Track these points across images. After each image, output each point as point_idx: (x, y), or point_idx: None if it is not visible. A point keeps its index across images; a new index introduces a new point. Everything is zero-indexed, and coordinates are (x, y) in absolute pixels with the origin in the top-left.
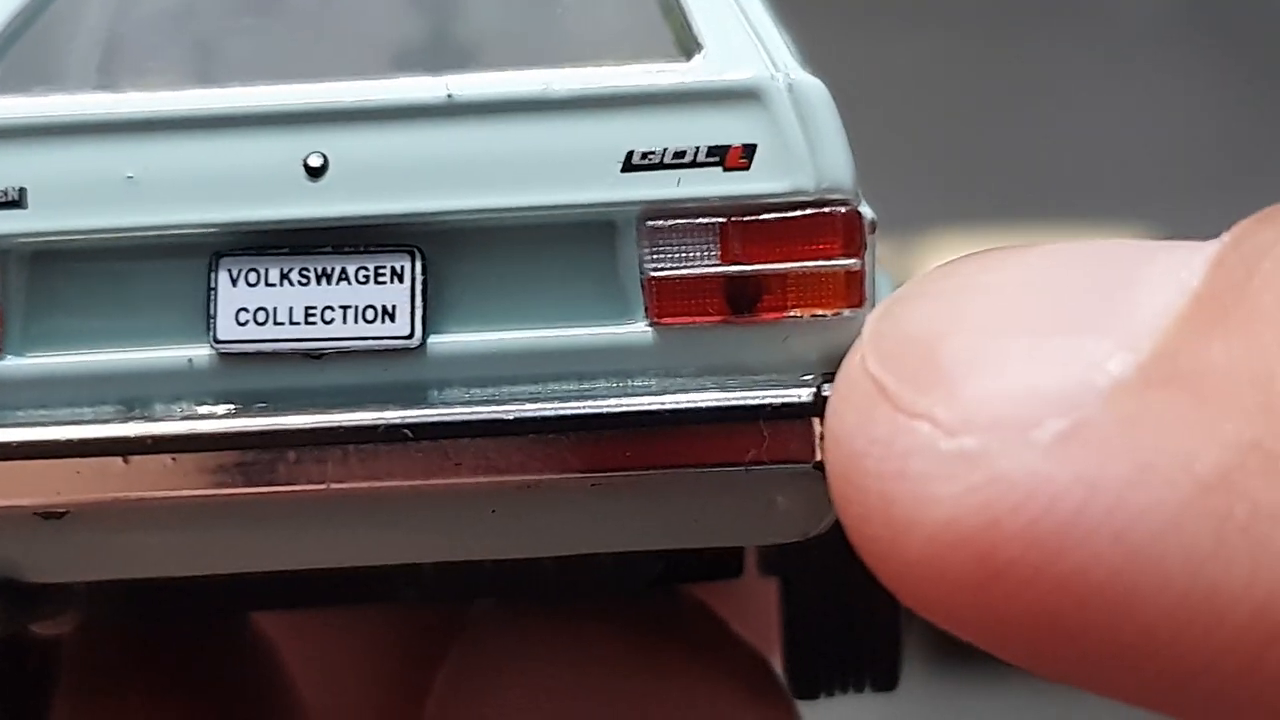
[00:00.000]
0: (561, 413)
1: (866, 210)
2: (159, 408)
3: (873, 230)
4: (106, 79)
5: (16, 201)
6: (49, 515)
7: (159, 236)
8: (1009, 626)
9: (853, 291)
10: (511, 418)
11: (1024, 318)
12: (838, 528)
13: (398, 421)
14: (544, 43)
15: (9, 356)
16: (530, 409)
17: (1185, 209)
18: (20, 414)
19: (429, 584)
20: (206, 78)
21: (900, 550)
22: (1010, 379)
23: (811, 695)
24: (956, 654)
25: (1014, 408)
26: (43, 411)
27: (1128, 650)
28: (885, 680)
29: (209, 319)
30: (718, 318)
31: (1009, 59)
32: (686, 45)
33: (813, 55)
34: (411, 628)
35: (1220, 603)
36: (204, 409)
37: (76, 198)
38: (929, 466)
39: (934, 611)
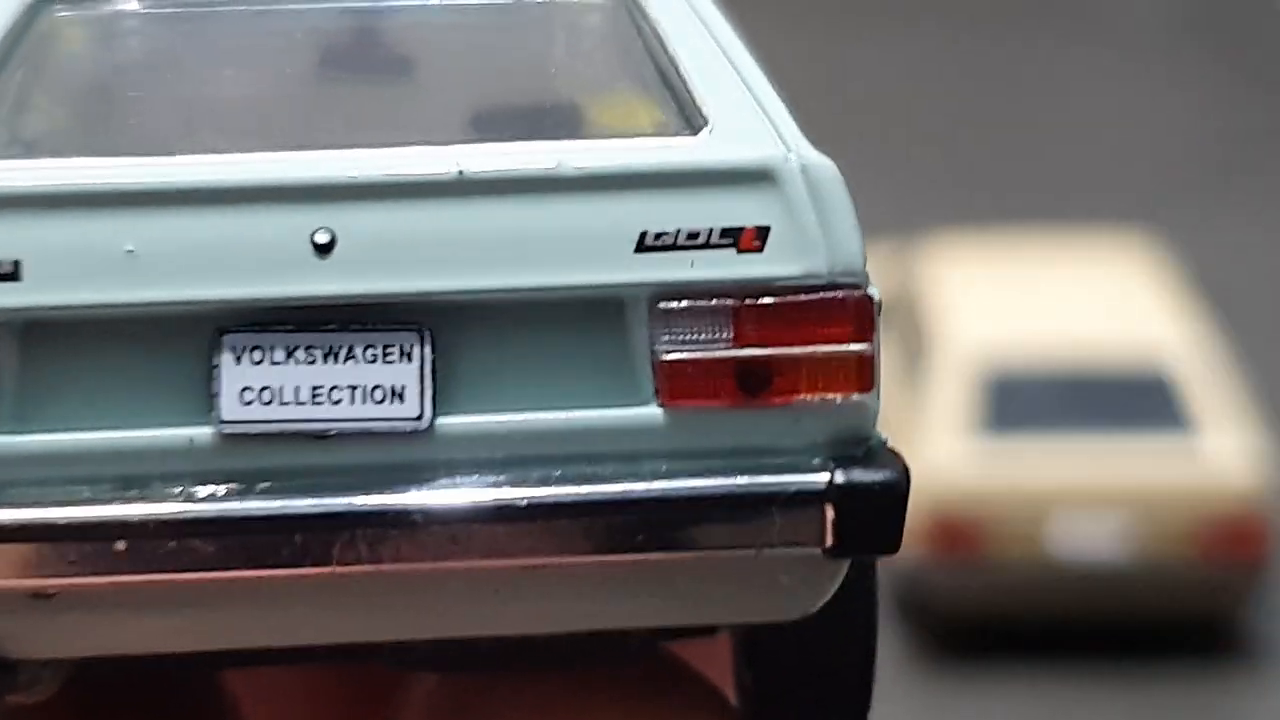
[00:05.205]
0: (574, 499)
1: (874, 292)
2: (158, 488)
3: (879, 311)
4: (99, 142)
5: (11, 274)
6: (38, 595)
7: (159, 312)
8: None
9: (863, 375)
10: (524, 504)
11: None
12: None
13: (409, 507)
14: (546, 112)
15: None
16: (541, 494)
17: (1185, 209)
18: (12, 493)
19: (418, 653)
20: (207, 145)
21: None
22: None
23: None
24: (944, 660)
25: None
26: (36, 490)
27: None
28: None
29: (211, 397)
30: (728, 400)
31: (1008, 59)
32: (691, 119)
33: (813, 56)
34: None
35: None
36: (204, 490)
37: (74, 271)
38: None
39: None
